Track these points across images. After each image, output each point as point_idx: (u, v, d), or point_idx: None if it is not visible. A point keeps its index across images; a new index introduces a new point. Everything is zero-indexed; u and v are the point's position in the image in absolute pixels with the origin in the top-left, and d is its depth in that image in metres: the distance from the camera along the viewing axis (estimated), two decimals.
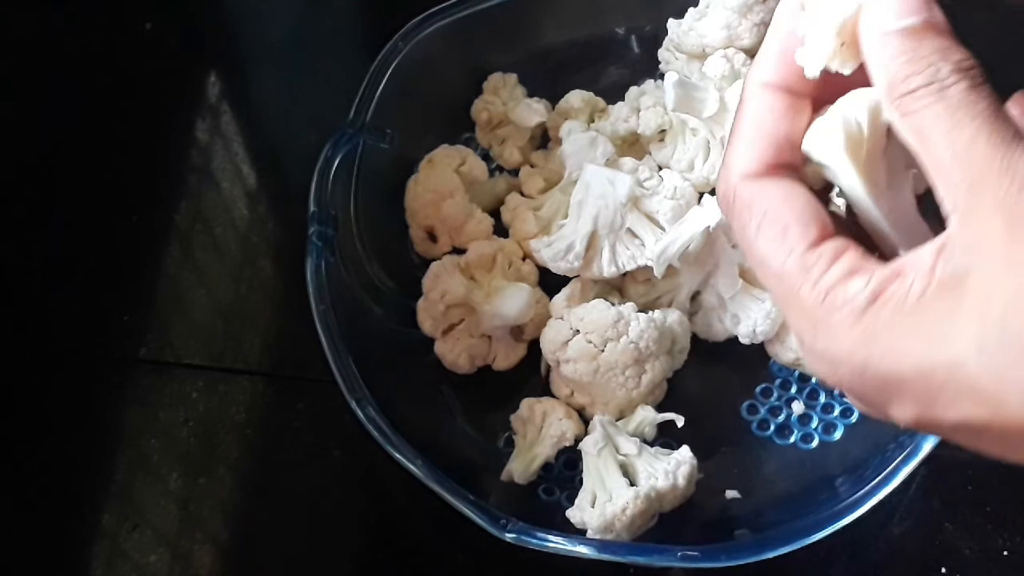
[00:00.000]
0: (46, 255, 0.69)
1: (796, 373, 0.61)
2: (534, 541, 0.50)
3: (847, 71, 0.31)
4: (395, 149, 0.64)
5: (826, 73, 0.32)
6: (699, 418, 0.58)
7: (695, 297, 0.61)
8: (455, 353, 0.60)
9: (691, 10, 0.65)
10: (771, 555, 0.49)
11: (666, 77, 0.58)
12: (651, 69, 0.69)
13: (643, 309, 0.58)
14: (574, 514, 0.53)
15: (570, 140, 0.63)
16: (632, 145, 0.66)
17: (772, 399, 0.60)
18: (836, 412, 0.59)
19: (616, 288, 0.62)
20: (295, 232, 0.60)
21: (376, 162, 0.63)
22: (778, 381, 0.61)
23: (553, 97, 0.68)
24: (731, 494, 0.57)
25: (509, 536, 0.50)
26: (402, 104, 0.64)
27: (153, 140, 0.72)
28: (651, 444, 0.57)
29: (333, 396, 0.54)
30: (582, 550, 0.50)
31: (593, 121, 0.67)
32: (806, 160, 0.33)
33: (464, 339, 0.60)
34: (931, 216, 0.30)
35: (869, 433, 0.56)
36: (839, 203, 0.34)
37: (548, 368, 0.60)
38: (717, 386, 0.61)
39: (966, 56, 0.29)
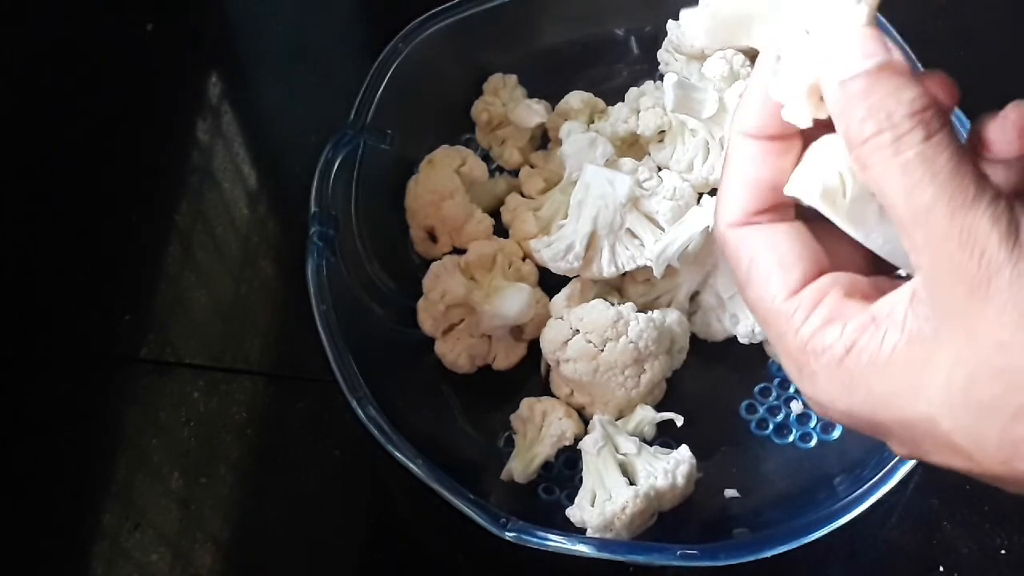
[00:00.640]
0: (46, 255, 0.69)
1: None
2: (534, 540, 0.50)
3: None
4: (395, 150, 0.64)
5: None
6: (698, 417, 0.58)
7: (694, 297, 0.62)
8: (455, 353, 0.60)
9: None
10: (770, 554, 0.49)
11: (665, 78, 0.58)
12: (651, 70, 0.69)
13: (642, 309, 0.58)
14: (574, 513, 0.53)
15: (570, 141, 0.63)
16: (632, 146, 0.66)
17: (771, 398, 0.61)
18: None
19: (616, 288, 0.62)
20: (296, 232, 0.60)
21: (377, 163, 0.63)
22: (777, 380, 0.61)
23: (553, 98, 0.68)
24: (730, 493, 0.57)
25: (509, 535, 0.50)
26: (403, 105, 0.64)
27: (154, 140, 0.72)
28: (650, 443, 0.57)
29: (333, 396, 0.55)
30: (582, 549, 0.50)
31: (593, 122, 0.67)
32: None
33: (464, 339, 0.60)
34: None
35: None
36: None
37: (548, 368, 0.60)
38: (716, 386, 0.61)
39: (918, 94, 0.28)
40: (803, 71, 0.31)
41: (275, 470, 0.61)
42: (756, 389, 0.61)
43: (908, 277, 0.30)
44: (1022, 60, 0.67)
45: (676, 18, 0.66)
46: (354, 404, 0.53)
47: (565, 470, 0.58)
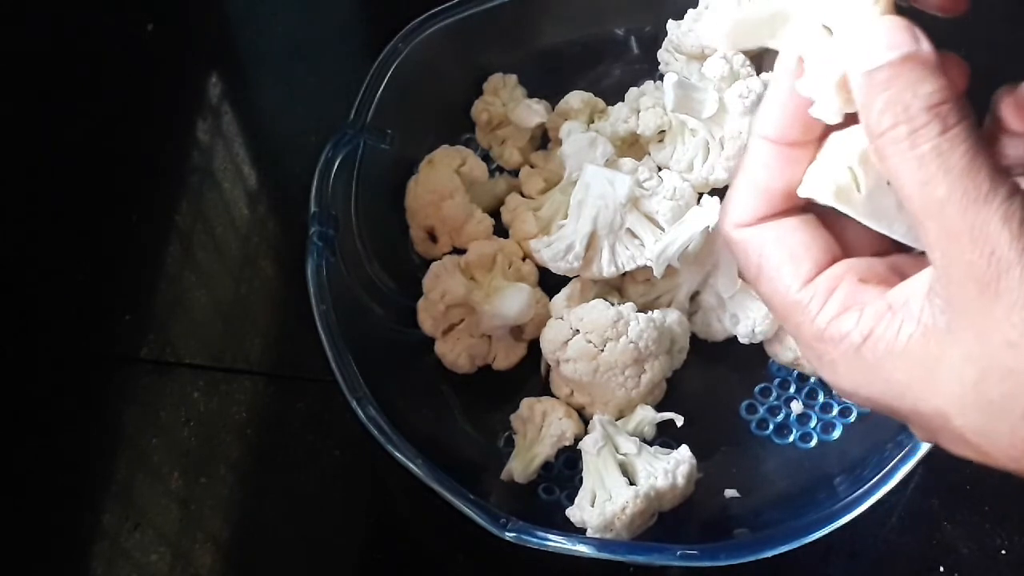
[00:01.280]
0: (46, 255, 0.69)
1: (795, 373, 0.61)
2: (534, 540, 0.50)
3: None
4: (395, 150, 0.64)
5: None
6: (698, 417, 0.58)
7: (694, 297, 0.62)
8: (455, 353, 0.60)
9: (690, 11, 0.66)
10: (770, 554, 0.49)
11: (665, 78, 0.58)
12: (651, 70, 0.69)
13: (643, 309, 0.58)
14: (574, 513, 0.53)
15: (570, 141, 0.63)
16: (632, 146, 0.66)
17: (771, 399, 0.61)
18: (835, 411, 0.59)
19: (616, 288, 0.62)
20: (295, 232, 0.60)
21: (376, 163, 0.63)
22: (777, 381, 0.61)
23: (553, 98, 0.68)
24: (730, 493, 0.57)
25: (509, 535, 0.50)
26: (402, 105, 0.64)
27: (154, 140, 0.72)
28: (650, 443, 0.57)
29: (333, 396, 0.55)
30: (582, 549, 0.50)
31: (593, 122, 0.67)
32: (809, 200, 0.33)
33: (464, 339, 0.60)
34: None
35: (867, 432, 0.57)
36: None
37: (548, 368, 0.60)
38: (716, 386, 0.61)
39: (937, 88, 0.28)
40: (831, 66, 0.30)
41: (275, 470, 0.61)
42: (756, 389, 0.61)
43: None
44: (1022, 60, 0.67)
45: (676, 18, 0.66)
46: (354, 404, 0.53)
47: (565, 470, 0.58)
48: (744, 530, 0.53)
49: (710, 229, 0.57)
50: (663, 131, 0.65)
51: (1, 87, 0.75)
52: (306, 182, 0.59)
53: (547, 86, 0.69)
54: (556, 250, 0.59)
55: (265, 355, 0.64)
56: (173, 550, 0.58)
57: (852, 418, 0.59)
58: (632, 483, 0.53)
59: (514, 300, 0.59)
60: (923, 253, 0.30)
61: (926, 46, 0.29)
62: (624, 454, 0.55)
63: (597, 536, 0.52)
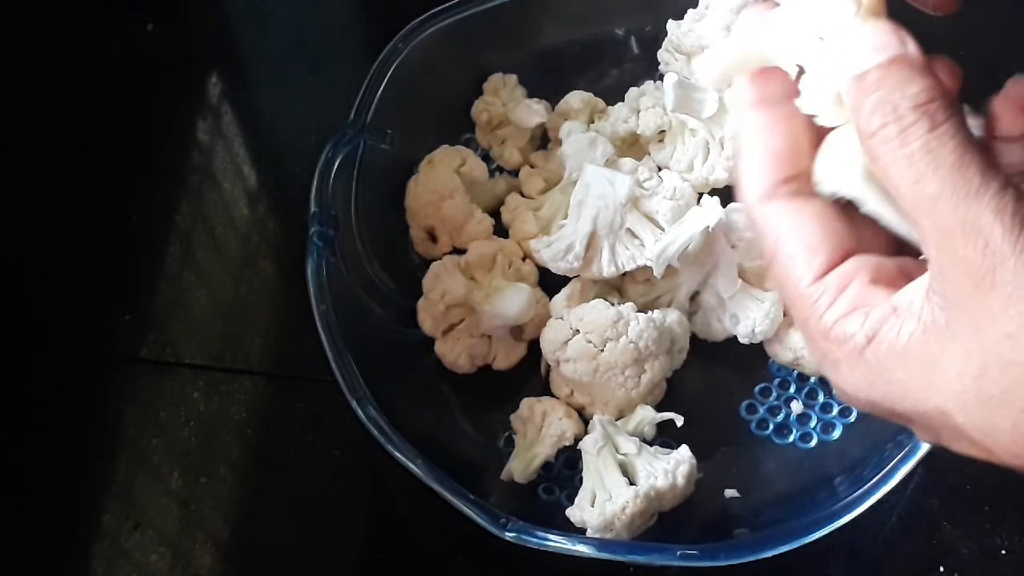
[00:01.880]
0: (46, 255, 0.69)
1: (795, 373, 0.61)
2: (534, 540, 0.50)
3: None
4: (395, 150, 0.64)
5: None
6: (698, 417, 0.58)
7: (694, 297, 0.62)
8: (455, 353, 0.60)
9: (691, 11, 0.66)
10: (770, 554, 0.49)
11: (665, 78, 0.58)
12: (651, 70, 0.69)
13: (642, 309, 0.58)
14: (574, 513, 0.53)
15: (570, 141, 0.63)
16: (632, 146, 0.66)
17: (771, 399, 0.61)
18: (835, 411, 0.59)
19: (616, 288, 0.62)
20: (295, 232, 0.60)
21: (377, 163, 0.63)
22: (777, 381, 0.61)
23: (553, 98, 0.68)
24: (730, 493, 0.57)
25: (509, 535, 0.50)
26: (402, 105, 0.64)
27: (154, 140, 0.72)
28: (650, 443, 0.57)
29: (333, 396, 0.55)
30: (582, 549, 0.50)
31: (593, 122, 0.67)
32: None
33: (464, 339, 0.60)
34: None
35: (867, 432, 0.57)
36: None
37: (548, 368, 0.60)
38: (716, 386, 0.61)
39: (925, 87, 0.28)
40: (827, 77, 0.31)
41: (275, 470, 0.61)
42: (756, 389, 0.61)
43: None
44: (1022, 60, 0.67)
45: (676, 18, 0.66)
46: (354, 404, 0.53)
47: (565, 470, 0.58)
48: (744, 530, 0.53)
49: (710, 229, 0.57)
50: (663, 131, 0.65)
51: (1, 87, 0.75)
52: (306, 182, 0.59)
53: (547, 86, 0.69)
54: (556, 250, 0.59)
55: (265, 355, 0.64)
56: (173, 550, 0.58)
57: (852, 418, 0.59)
58: (632, 483, 0.53)
59: (514, 300, 0.59)
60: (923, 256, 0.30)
61: (912, 48, 0.29)
62: (624, 454, 0.55)
63: (597, 536, 0.52)
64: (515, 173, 0.67)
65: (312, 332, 0.55)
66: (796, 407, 0.60)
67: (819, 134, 0.33)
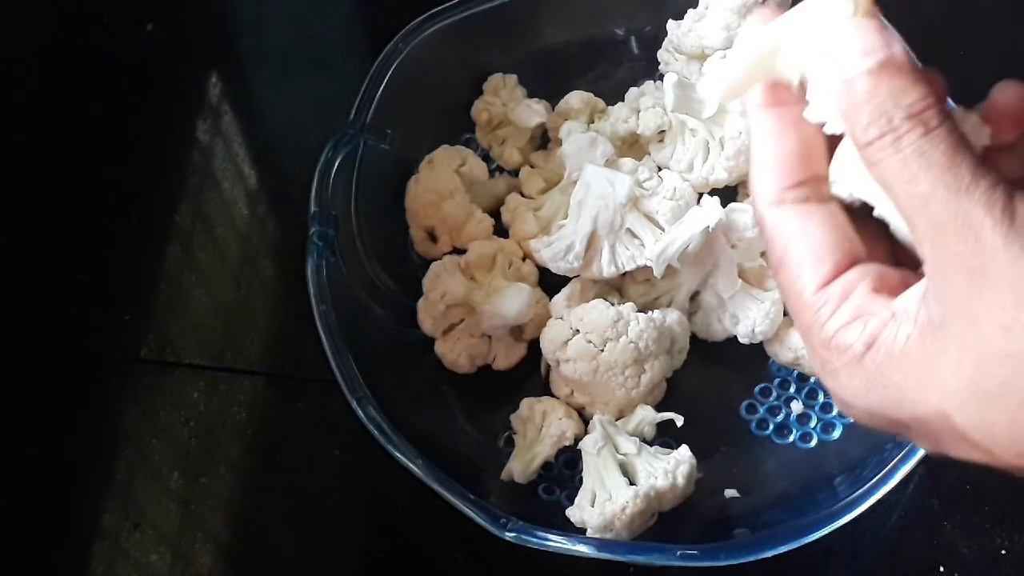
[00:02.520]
0: (46, 255, 0.69)
1: (795, 373, 0.61)
2: (534, 540, 0.50)
3: None
4: (395, 150, 0.64)
5: None
6: (698, 418, 0.58)
7: (694, 297, 0.62)
8: (455, 353, 0.60)
9: (691, 11, 0.66)
10: (770, 554, 0.49)
11: (665, 78, 0.58)
12: (651, 70, 0.69)
13: (643, 309, 0.58)
14: (574, 513, 0.53)
15: (570, 141, 0.63)
16: (632, 146, 0.66)
17: (771, 399, 0.61)
18: (835, 411, 0.59)
19: (616, 288, 0.62)
20: (295, 232, 0.60)
21: (377, 163, 0.63)
22: (777, 381, 0.61)
23: (553, 98, 0.68)
24: (730, 493, 0.57)
25: (509, 535, 0.50)
26: (403, 105, 0.64)
27: (154, 140, 0.72)
28: (650, 443, 0.57)
29: (333, 396, 0.55)
30: (582, 549, 0.50)
31: (593, 122, 0.67)
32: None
33: (464, 339, 0.60)
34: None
35: (867, 432, 0.56)
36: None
37: (548, 368, 0.60)
38: (716, 386, 0.61)
39: (920, 97, 0.28)
40: (830, 83, 0.31)
41: (275, 470, 0.61)
42: (756, 389, 0.61)
43: None
44: (1022, 60, 0.67)
45: (676, 18, 0.67)
46: (354, 404, 0.53)
47: (565, 470, 0.58)
48: (744, 530, 0.53)
49: (710, 229, 0.57)
50: (663, 131, 0.65)
51: (1, 87, 0.75)
52: (306, 182, 0.59)
53: (547, 86, 0.69)
54: (556, 250, 0.59)
55: (265, 355, 0.64)
56: (173, 550, 0.58)
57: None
58: (632, 483, 0.53)
59: (514, 300, 0.59)
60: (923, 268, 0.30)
61: (898, 49, 0.29)
62: (624, 454, 0.55)
63: (597, 536, 0.52)
64: (515, 173, 0.67)
65: (312, 332, 0.55)
66: (796, 407, 0.60)
67: (833, 137, 0.33)
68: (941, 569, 0.55)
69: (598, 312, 0.57)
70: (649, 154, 0.66)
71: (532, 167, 0.67)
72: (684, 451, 0.55)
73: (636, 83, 0.68)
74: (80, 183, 0.71)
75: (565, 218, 0.61)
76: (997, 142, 0.31)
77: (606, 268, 0.59)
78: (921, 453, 0.50)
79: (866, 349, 0.30)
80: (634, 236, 0.60)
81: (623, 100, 0.67)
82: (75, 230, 0.69)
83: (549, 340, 0.58)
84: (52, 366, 0.65)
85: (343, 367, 0.54)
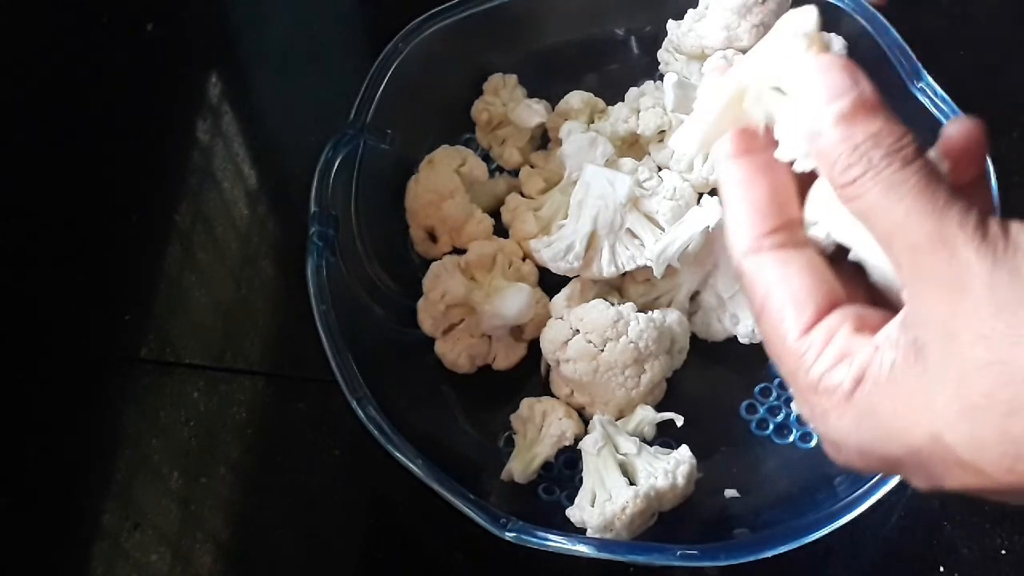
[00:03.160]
0: (46, 255, 0.69)
1: None
2: (534, 540, 0.50)
3: None
4: (395, 150, 0.64)
5: None
6: (698, 417, 0.58)
7: (694, 297, 0.62)
8: (455, 353, 0.60)
9: (690, 11, 0.66)
10: (770, 554, 0.49)
11: (665, 78, 0.58)
12: (651, 70, 0.69)
13: (642, 309, 0.59)
14: (574, 513, 0.53)
15: (570, 141, 0.63)
16: (632, 146, 0.66)
17: (771, 398, 0.61)
18: None
19: (616, 288, 0.62)
20: (295, 232, 0.60)
21: (377, 163, 0.63)
22: (777, 380, 0.61)
23: (553, 98, 0.68)
24: (730, 493, 0.57)
25: (509, 535, 0.50)
26: (403, 105, 0.64)
27: (154, 140, 0.72)
28: (650, 443, 0.57)
29: (333, 396, 0.55)
30: (582, 549, 0.50)
31: (593, 122, 0.67)
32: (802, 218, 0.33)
33: (464, 339, 0.60)
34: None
35: None
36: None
37: (548, 368, 0.60)
38: (716, 386, 0.61)
39: (898, 137, 0.29)
40: (796, 122, 0.31)
41: (275, 470, 0.61)
42: (756, 389, 0.61)
43: None
44: (1022, 60, 0.67)
45: (676, 18, 0.67)
46: (354, 404, 0.53)
47: (565, 470, 0.58)
48: (744, 530, 0.53)
49: (710, 229, 0.57)
50: (663, 131, 0.65)
51: (1, 87, 0.75)
52: (306, 182, 0.59)
53: (547, 86, 0.69)
54: (556, 250, 0.59)
55: (265, 355, 0.64)
56: (173, 550, 0.58)
57: None
58: (632, 483, 0.53)
59: (514, 300, 0.59)
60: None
61: (866, 86, 0.30)
62: (624, 454, 0.55)
63: (597, 536, 0.52)
64: (515, 173, 0.67)
65: (312, 332, 0.55)
66: (796, 407, 0.60)
67: (805, 180, 0.33)
68: (941, 569, 0.55)
69: (598, 312, 0.57)
70: (649, 154, 0.66)
71: (532, 167, 0.67)
72: (684, 451, 0.55)
73: (636, 83, 0.68)
74: (80, 183, 0.71)
75: (565, 218, 0.61)
76: (957, 182, 0.31)
77: (606, 268, 0.59)
78: None
79: (855, 385, 0.30)
80: (634, 236, 0.60)
81: (623, 100, 0.67)
82: (75, 230, 0.69)
83: (549, 340, 0.58)
84: (52, 366, 0.65)
85: (343, 367, 0.54)
